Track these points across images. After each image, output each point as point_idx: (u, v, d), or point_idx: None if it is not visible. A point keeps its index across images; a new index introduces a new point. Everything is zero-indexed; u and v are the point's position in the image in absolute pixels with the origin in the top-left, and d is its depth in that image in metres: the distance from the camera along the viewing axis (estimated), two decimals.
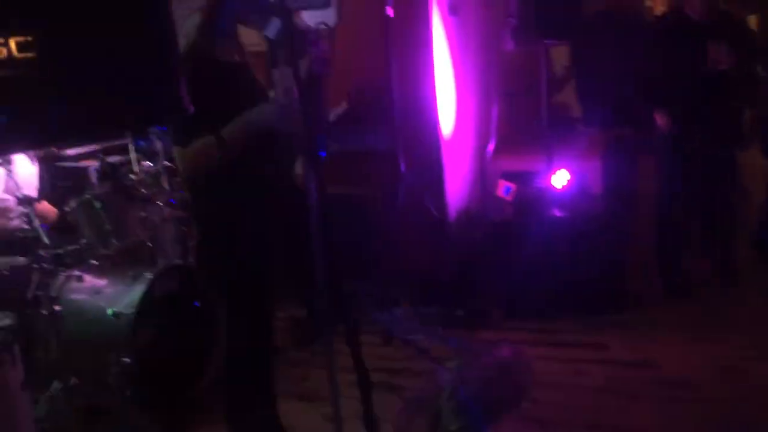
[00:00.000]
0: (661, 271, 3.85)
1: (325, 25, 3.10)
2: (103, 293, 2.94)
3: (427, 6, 3.93)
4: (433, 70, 3.97)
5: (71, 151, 3.92)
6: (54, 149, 3.39)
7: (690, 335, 3.34)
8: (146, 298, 2.89)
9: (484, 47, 4.50)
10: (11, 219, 3.22)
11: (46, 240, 2.69)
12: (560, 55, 6.37)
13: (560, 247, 3.65)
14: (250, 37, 2.48)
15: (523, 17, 3.72)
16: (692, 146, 3.58)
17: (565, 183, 3.91)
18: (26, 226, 2.78)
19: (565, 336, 3.46)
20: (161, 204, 3.37)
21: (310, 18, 4.11)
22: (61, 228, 3.29)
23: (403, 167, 3.91)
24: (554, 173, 3.91)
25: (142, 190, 3.30)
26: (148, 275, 2.95)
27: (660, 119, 3.62)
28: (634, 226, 4.02)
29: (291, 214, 2.32)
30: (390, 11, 3.80)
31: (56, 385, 2.66)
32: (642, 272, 3.89)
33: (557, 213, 3.79)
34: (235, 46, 2.26)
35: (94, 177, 3.48)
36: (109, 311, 2.82)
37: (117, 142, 3.51)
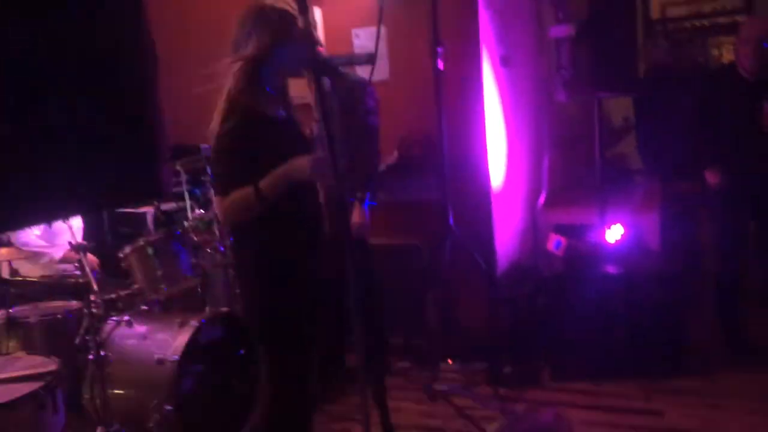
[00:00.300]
0: (723, 332, 3.64)
1: (364, 82, 3.15)
2: (149, 339, 3.00)
3: (478, 58, 3.94)
4: (484, 122, 3.97)
5: None
6: None
7: (755, 405, 3.13)
8: (191, 345, 2.93)
9: (536, 98, 4.47)
10: (57, 265, 3.36)
11: (95, 286, 2.76)
12: (619, 106, 6.29)
13: (614, 305, 3.52)
14: (297, 90, 2.54)
15: (575, 69, 3.69)
16: (745, 204, 3.43)
17: (619, 237, 3.78)
18: (77, 272, 2.86)
19: (617, 400, 3.30)
20: (211, 251, 3.44)
21: (363, 71, 4.21)
22: (115, 273, 3.40)
23: (451, 219, 3.88)
24: (608, 227, 3.79)
25: (194, 237, 3.38)
26: (194, 322, 2.99)
27: (711, 176, 3.49)
28: (694, 284, 3.84)
29: (329, 263, 2.33)
30: (441, 64, 3.83)
31: (100, 430, 2.69)
32: (702, 333, 3.70)
33: (611, 269, 3.66)
34: (281, 99, 2.31)
35: (150, 223, 3.60)
36: (155, 357, 2.86)
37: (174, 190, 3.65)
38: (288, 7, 2.11)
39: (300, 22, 1.70)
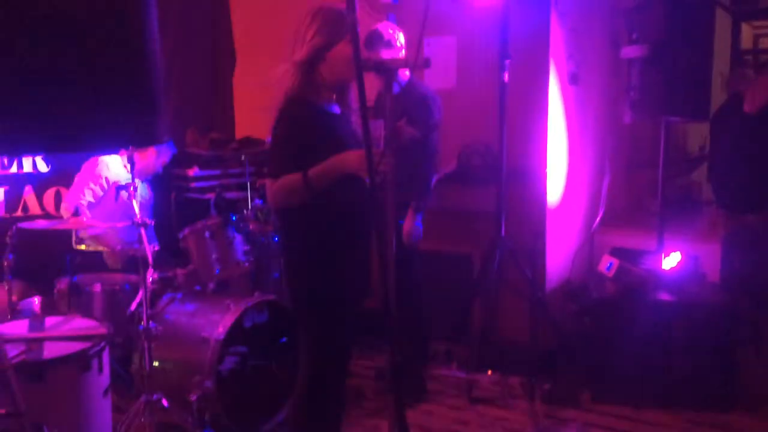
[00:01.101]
0: None
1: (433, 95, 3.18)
2: (198, 317, 3.14)
3: (546, 74, 3.93)
4: (546, 137, 3.95)
5: (197, 184, 4.29)
6: None
7: None
8: (236, 327, 3.06)
9: (603, 118, 4.40)
10: (116, 244, 3.57)
11: (150, 262, 2.93)
12: (697, 134, 6.10)
13: (665, 334, 3.42)
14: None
15: (644, 91, 3.62)
16: None
17: (675, 265, 3.68)
18: (136, 248, 3.03)
19: (655, 429, 3.21)
20: (266, 240, 3.57)
21: (432, 80, 4.27)
22: (176, 253, 3.58)
23: (503, 231, 3.87)
24: (666, 254, 3.70)
25: (250, 225, 3.52)
26: (241, 306, 3.12)
27: None
28: (753, 321, 3.68)
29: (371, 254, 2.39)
30: (507, 76, 3.84)
31: (143, 398, 2.85)
32: (757, 373, 3.54)
33: (664, 296, 3.56)
34: (338, 97, 2.40)
35: (212, 209, 3.77)
36: (200, 335, 3.00)
37: (239, 180, 3.82)
38: (343, 10, 2.21)
39: (352, 23, 1.77)
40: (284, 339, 3.32)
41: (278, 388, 3.23)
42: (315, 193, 2.20)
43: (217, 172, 4.39)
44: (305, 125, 2.24)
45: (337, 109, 2.40)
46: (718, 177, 4.51)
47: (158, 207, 4.09)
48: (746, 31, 8.62)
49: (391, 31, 3.41)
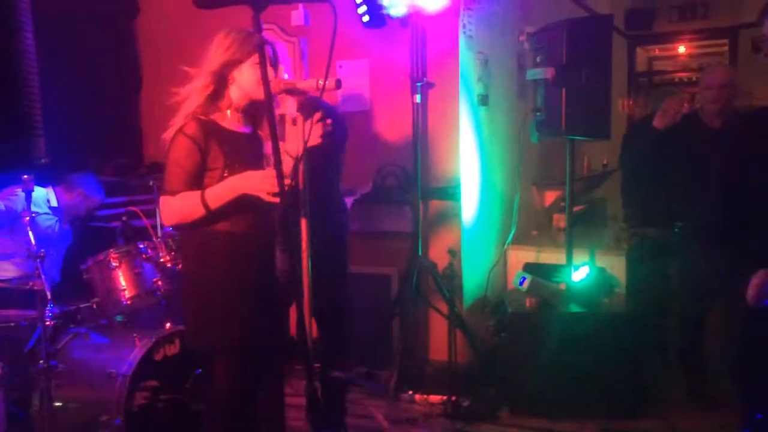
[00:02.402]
0: (684, 375, 3.66)
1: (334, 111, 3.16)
2: (105, 352, 2.99)
3: (457, 95, 4.02)
4: (459, 157, 4.02)
5: (102, 212, 4.10)
6: None
7: None
8: (145, 361, 2.92)
9: (512, 137, 4.54)
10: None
11: (49, 296, 2.76)
12: (601, 151, 6.39)
13: (576, 345, 3.53)
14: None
15: (549, 112, 3.76)
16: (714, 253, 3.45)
17: (585, 278, 3.81)
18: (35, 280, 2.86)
19: None
20: (175, 269, 3.43)
21: (346, 104, 4.28)
22: (80, 285, 3.39)
23: (420, 251, 3.91)
24: (575, 268, 3.82)
25: (159, 254, 3.38)
26: (151, 338, 2.99)
27: (686, 225, 3.55)
28: (657, 328, 3.86)
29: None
30: (419, 98, 3.91)
31: None
32: (663, 377, 3.71)
33: (575, 309, 3.68)
34: (245, 117, 2.37)
35: (119, 238, 3.61)
36: (106, 371, 2.84)
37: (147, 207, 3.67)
38: (251, 31, 2.19)
39: (259, 44, 1.75)
40: (198, 371, 3.20)
41: (193, 423, 3.10)
42: (212, 212, 2.17)
43: (123, 199, 4.22)
44: (205, 144, 2.21)
45: (246, 129, 2.36)
46: (628, 193, 4.74)
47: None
48: (641, 55, 9.18)
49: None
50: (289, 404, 3.64)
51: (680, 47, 9.35)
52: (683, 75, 9.77)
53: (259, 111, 2.39)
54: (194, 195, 2.17)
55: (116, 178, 4.26)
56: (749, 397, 2.30)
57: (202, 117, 2.25)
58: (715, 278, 3.60)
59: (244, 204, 2.19)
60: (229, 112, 2.31)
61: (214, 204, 2.17)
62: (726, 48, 8.46)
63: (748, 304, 2.11)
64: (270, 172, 2.11)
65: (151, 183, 3.76)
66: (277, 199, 2.04)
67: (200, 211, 2.18)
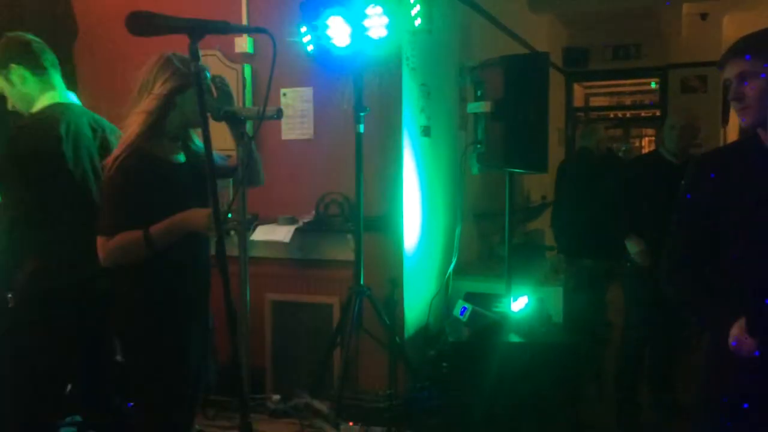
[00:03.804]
0: (618, 404, 3.75)
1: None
2: None
3: (399, 126, 4.08)
4: (402, 187, 4.07)
5: None
6: None
7: None
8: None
9: (454, 168, 4.63)
10: None
11: None
12: (540, 185, 6.56)
13: (516, 374, 3.57)
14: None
15: (489, 144, 3.85)
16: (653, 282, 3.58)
17: (524, 308, 3.88)
18: None
19: None
20: None
21: (290, 130, 4.27)
22: None
23: (362, 279, 3.90)
24: (514, 298, 3.89)
25: None
26: None
27: (633, 245, 3.68)
28: (593, 356, 3.95)
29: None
30: (362, 128, 3.94)
31: None
32: (600, 403, 3.79)
33: (514, 338, 3.73)
34: (182, 146, 2.33)
35: None
36: None
37: None
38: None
39: (198, 71, 1.74)
40: (131, 404, 3.09)
41: None
42: (155, 251, 2.09)
43: None
44: (141, 178, 2.13)
45: (180, 158, 2.32)
46: (561, 224, 4.88)
47: None
48: (578, 91, 9.55)
49: None
50: None
51: (613, 84, 9.79)
52: (617, 111, 10.23)
53: (191, 141, 2.36)
54: (137, 235, 2.08)
55: None
56: None
57: (138, 148, 2.15)
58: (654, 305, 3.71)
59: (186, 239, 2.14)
60: (164, 140, 2.25)
61: (159, 243, 2.09)
62: (657, 86, 8.89)
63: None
64: (213, 212, 2.07)
65: None
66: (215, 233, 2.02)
67: (143, 252, 2.09)
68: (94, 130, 2.67)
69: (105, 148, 2.64)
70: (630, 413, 3.75)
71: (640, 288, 3.74)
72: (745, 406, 1.78)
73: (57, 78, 2.68)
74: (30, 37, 2.64)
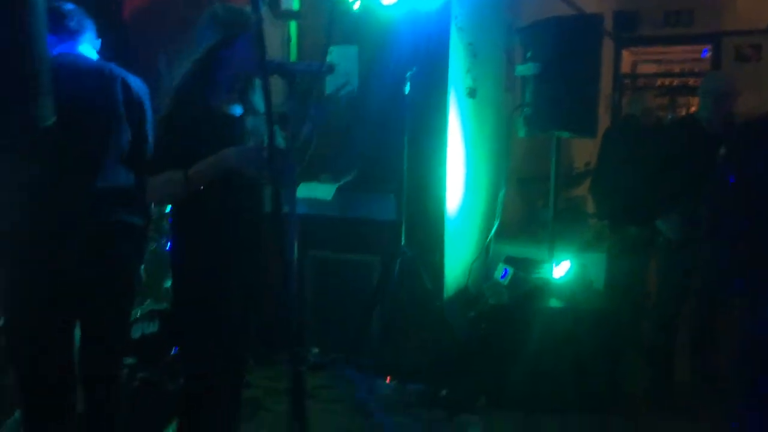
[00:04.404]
0: (651, 374, 3.71)
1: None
2: None
3: (445, 86, 4.02)
4: (446, 148, 4.03)
5: None
6: None
7: None
8: None
9: (500, 133, 4.57)
10: None
11: None
12: (583, 151, 6.45)
13: (556, 339, 3.56)
14: None
15: (537, 107, 3.78)
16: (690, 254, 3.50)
17: (566, 274, 3.85)
18: None
19: None
20: (156, 246, 3.42)
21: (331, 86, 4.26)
22: None
23: (404, 240, 3.91)
24: (557, 263, 3.86)
25: None
26: None
27: (666, 224, 3.59)
28: (633, 324, 3.91)
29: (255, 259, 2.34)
30: (407, 88, 3.90)
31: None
32: (637, 372, 3.76)
33: (555, 303, 3.72)
34: (236, 97, 2.34)
35: None
36: None
37: None
38: (243, 8, 2.18)
39: (254, 22, 1.73)
40: (176, 350, 3.18)
41: (169, 401, 3.08)
42: (194, 190, 2.14)
43: None
44: (191, 124, 2.17)
45: (237, 110, 2.34)
46: (604, 191, 4.79)
47: None
48: (626, 57, 9.26)
49: None
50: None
51: (664, 51, 9.47)
52: (666, 79, 9.91)
53: (248, 91, 2.37)
54: (177, 174, 2.14)
55: None
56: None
57: (191, 97, 2.19)
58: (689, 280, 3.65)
59: (233, 182, 2.17)
60: (219, 92, 2.27)
61: (197, 183, 2.14)
62: (709, 54, 8.57)
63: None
64: (252, 148, 2.10)
65: None
66: (260, 175, 2.06)
67: (183, 191, 2.14)
68: None
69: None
70: (663, 384, 3.69)
71: (673, 264, 3.64)
72: None
73: None
74: None
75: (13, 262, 2.22)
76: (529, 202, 5.15)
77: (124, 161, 2.36)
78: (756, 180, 1.86)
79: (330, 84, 4.24)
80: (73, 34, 2.46)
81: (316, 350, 4.07)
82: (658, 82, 9.98)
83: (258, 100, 2.34)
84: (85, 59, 2.45)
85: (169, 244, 3.45)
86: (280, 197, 1.80)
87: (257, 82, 2.31)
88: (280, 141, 2.26)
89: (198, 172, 2.14)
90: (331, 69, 2.29)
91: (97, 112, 2.32)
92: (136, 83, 2.44)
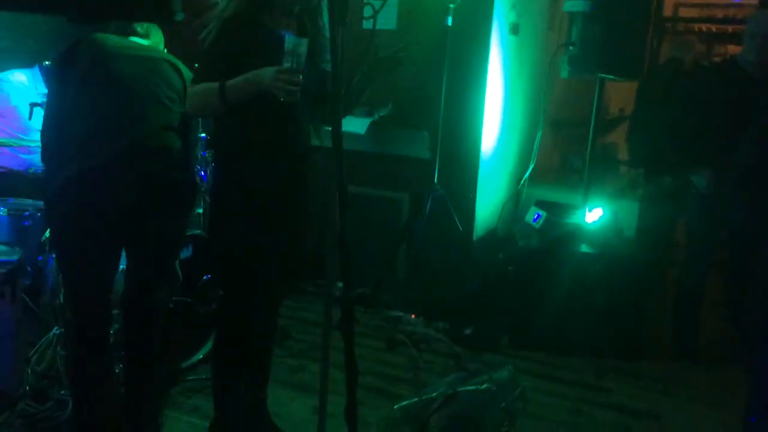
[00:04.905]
0: (674, 330, 3.70)
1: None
2: None
3: (489, 20, 3.89)
4: (485, 86, 3.93)
5: None
6: None
7: (700, 393, 3.22)
8: None
9: (540, 72, 4.43)
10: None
11: None
12: (618, 95, 6.28)
13: (583, 284, 3.55)
14: None
15: (584, 47, 3.64)
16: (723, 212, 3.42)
17: (598, 220, 3.81)
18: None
19: (569, 373, 3.36)
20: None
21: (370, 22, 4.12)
22: None
23: (436, 178, 3.87)
24: (589, 209, 3.81)
25: None
26: None
27: (699, 180, 3.49)
28: (662, 275, 3.89)
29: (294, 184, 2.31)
30: (449, 20, 3.77)
31: (55, 331, 2.67)
32: (662, 322, 3.76)
33: (585, 249, 3.68)
34: (290, 23, 2.27)
35: None
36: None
37: None
38: None
39: None
40: (208, 276, 3.20)
41: (201, 326, 3.13)
42: (229, 104, 2.10)
43: None
44: (236, 39, 2.14)
45: (287, 33, 2.26)
46: (640, 138, 4.67)
47: None
48: (669, 0, 8.93)
49: None
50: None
51: None
52: (704, 25, 9.56)
53: (303, 22, 2.29)
54: (213, 85, 2.11)
55: None
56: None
57: (246, 14, 2.15)
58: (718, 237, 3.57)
59: (274, 108, 2.11)
60: (275, 13, 2.20)
61: (230, 96, 2.09)
62: (756, 1, 8.22)
63: None
64: (283, 69, 2.02)
65: None
66: (292, 100, 2.02)
67: (217, 102, 2.10)
68: None
69: None
70: (688, 337, 3.68)
71: (704, 216, 3.54)
72: None
73: None
74: None
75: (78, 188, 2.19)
76: (561, 146, 5.05)
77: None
78: None
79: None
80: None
81: (340, 285, 4.09)
82: (697, 27, 9.62)
83: (315, 31, 2.26)
84: None
85: (202, 172, 3.44)
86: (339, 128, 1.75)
87: (322, 12, 2.24)
88: (327, 67, 2.20)
89: (234, 86, 2.10)
90: None
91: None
92: None
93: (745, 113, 3.33)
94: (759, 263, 3.54)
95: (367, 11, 4.11)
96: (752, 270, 3.57)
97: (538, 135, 3.96)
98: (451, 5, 3.74)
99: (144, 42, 2.45)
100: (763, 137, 3.31)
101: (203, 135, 3.43)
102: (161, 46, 2.55)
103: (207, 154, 3.43)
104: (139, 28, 2.44)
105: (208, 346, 3.11)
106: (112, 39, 2.29)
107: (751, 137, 3.32)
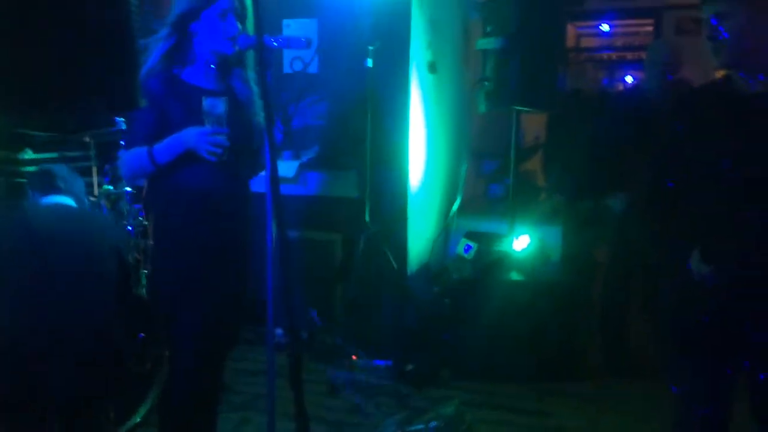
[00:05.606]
0: (603, 343, 3.85)
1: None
2: None
3: (407, 61, 4.00)
4: (408, 123, 4.02)
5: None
6: None
7: (634, 407, 3.34)
8: None
9: (460, 108, 4.59)
10: None
11: None
12: (532, 125, 6.54)
13: (516, 311, 3.65)
14: None
15: (498, 82, 3.80)
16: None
17: (525, 247, 3.94)
18: None
19: (511, 400, 3.44)
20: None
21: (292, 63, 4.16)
22: None
23: (367, 216, 3.91)
24: (516, 237, 3.94)
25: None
26: None
27: (616, 201, 3.69)
28: (587, 296, 4.04)
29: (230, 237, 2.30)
30: (369, 62, 3.85)
31: None
32: (592, 341, 3.90)
33: (515, 276, 3.80)
34: (216, 74, 2.28)
35: None
36: None
37: (81, 164, 3.47)
38: None
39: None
40: (141, 335, 3.10)
41: (136, 385, 3.02)
42: (159, 166, 2.15)
43: (54, 155, 3.96)
44: (159, 98, 2.18)
45: (212, 84, 2.26)
46: (555, 168, 4.88)
47: None
48: (570, 31, 9.41)
49: None
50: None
51: (605, 25, 9.66)
52: (608, 53, 10.13)
53: (231, 66, 2.30)
54: (142, 150, 2.16)
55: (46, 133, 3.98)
56: None
57: (162, 69, 2.19)
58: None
59: (203, 161, 2.13)
60: (196, 67, 2.22)
61: (160, 159, 2.14)
62: (651, 28, 8.80)
63: None
64: (204, 131, 2.09)
65: (87, 139, 3.56)
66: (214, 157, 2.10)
67: (148, 166, 2.16)
68: None
69: None
70: (617, 350, 3.82)
71: (620, 236, 3.71)
72: (706, 319, 1.96)
73: None
74: None
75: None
76: (485, 177, 5.21)
77: None
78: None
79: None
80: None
81: (279, 330, 4.04)
82: (598, 56, 10.19)
83: (240, 85, 2.29)
84: None
85: (128, 225, 3.36)
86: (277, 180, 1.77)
87: (248, 65, 2.29)
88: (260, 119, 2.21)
89: (160, 149, 2.15)
90: (309, 43, 2.26)
91: None
92: None
93: (648, 138, 3.55)
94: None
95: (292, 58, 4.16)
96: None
97: (463, 167, 4.07)
98: (370, 47, 3.83)
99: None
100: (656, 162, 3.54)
101: (128, 189, 3.36)
102: None
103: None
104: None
105: (146, 407, 3.00)
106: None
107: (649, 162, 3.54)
